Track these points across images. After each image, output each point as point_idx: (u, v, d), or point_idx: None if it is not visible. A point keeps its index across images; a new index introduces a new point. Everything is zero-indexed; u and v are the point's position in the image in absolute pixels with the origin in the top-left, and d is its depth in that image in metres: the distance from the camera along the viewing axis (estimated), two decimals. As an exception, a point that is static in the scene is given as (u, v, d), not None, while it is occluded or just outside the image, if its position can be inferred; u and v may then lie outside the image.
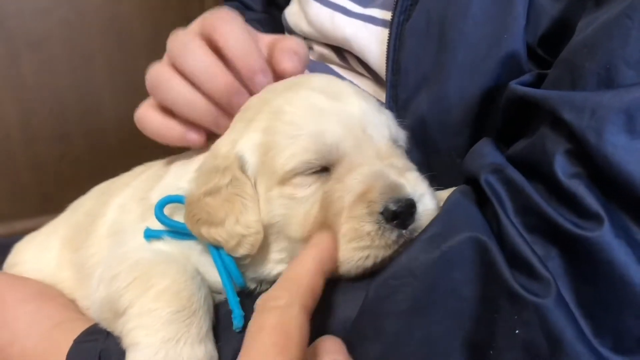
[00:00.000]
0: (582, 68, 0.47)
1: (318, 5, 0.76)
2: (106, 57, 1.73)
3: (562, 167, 0.46)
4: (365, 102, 0.56)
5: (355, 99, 0.56)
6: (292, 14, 0.84)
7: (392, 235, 0.50)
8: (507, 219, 0.47)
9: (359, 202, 0.51)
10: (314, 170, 0.53)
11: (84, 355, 0.56)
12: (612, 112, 0.43)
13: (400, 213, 0.50)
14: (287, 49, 0.60)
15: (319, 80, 0.59)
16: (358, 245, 0.50)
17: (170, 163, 0.67)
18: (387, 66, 0.64)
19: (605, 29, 0.46)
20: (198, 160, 0.60)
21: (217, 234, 0.53)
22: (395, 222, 0.50)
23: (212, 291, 0.57)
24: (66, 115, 1.72)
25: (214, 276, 0.56)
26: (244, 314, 0.52)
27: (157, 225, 0.59)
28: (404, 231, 0.50)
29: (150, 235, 0.58)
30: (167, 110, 0.61)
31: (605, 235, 0.43)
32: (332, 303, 0.50)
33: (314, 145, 0.53)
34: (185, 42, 0.58)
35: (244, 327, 0.51)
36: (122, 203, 0.66)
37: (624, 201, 0.44)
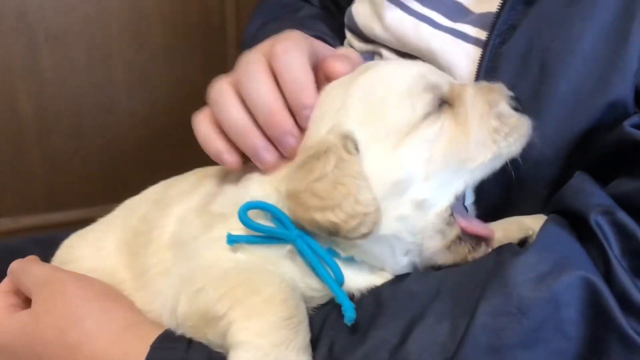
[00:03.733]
0: None
1: (401, 12, 0.75)
2: (124, 57, 1.72)
3: None
4: None
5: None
6: (362, 14, 0.82)
7: (526, 121, 0.59)
8: (618, 262, 0.48)
9: (491, 106, 0.58)
10: (438, 104, 0.58)
11: None
12: None
13: (519, 102, 0.59)
14: (340, 55, 0.63)
15: (378, 61, 0.64)
16: (513, 139, 0.57)
17: (227, 176, 0.68)
18: None
19: None
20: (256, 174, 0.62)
21: (335, 216, 0.53)
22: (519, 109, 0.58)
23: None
24: (81, 111, 1.70)
25: (305, 283, 0.57)
26: (354, 305, 0.52)
27: (223, 234, 0.59)
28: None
29: (233, 240, 0.58)
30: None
31: None
32: None
33: (426, 87, 0.58)
34: (250, 68, 0.60)
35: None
36: (182, 215, 0.67)
37: None
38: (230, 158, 0.61)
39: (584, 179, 0.56)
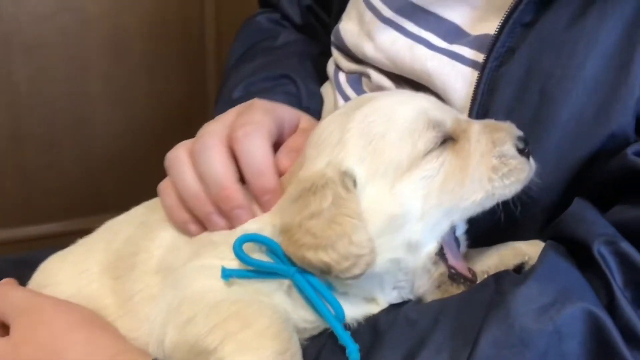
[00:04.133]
0: None
1: (395, 33, 0.74)
2: (102, 69, 1.69)
3: None
4: None
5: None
6: (350, 33, 0.81)
7: (527, 167, 0.57)
8: (621, 293, 0.48)
9: (494, 145, 0.57)
10: (440, 141, 0.58)
11: None
12: None
13: (527, 144, 0.58)
14: (288, 147, 0.65)
15: (377, 93, 0.65)
16: (508, 181, 0.57)
17: None
18: (471, 110, 0.64)
19: None
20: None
21: (327, 256, 0.52)
22: (525, 152, 0.57)
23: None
24: (57, 124, 1.66)
25: (297, 314, 0.55)
26: (359, 347, 0.51)
27: (218, 263, 0.58)
28: (530, 164, 0.58)
29: (228, 274, 0.56)
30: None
31: None
32: None
33: (428, 124, 0.57)
34: (207, 142, 0.62)
35: None
36: (170, 241, 0.65)
37: None
38: (193, 228, 0.63)
39: (585, 207, 0.55)
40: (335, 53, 0.87)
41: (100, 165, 1.72)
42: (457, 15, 0.71)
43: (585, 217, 0.54)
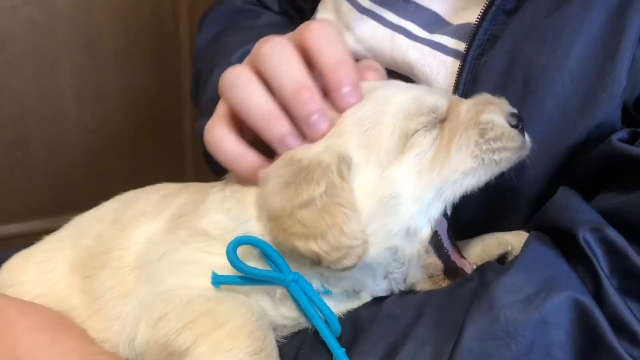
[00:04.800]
0: None
1: (374, 23, 0.72)
2: (73, 62, 1.64)
3: None
4: None
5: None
6: None
7: (519, 138, 0.55)
8: (608, 281, 0.46)
9: (481, 114, 0.55)
10: (431, 123, 0.56)
11: None
12: None
13: (520, 120, 0.55)
14: (368, 66, 0.60)
15: (376, 83, 0.61)
16: (495, 146, 0.53)
17: (194, 196, 0.63)
18: None
19: None
20: (247, 194, 0.57)
21: (317, 246, 0.50)
22: (519, 127, 0.54)
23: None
24: (25, 120, 1.61)
25: (277, 312, 0.54)
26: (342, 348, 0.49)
27: (200, 258, 0.55)
28: (524, 139, 0.55)
29: (219, 281, 0.53)
30: (242, 132, 0.57)
31: None
32: None
33: (423, 109, 0.56)
34: (275, 46, 0.54)
35: None
36: (148, 237, 0.62)
37: None
38: (249, 160, 0.56)
39: (570, 195, 0.54)
40: None
41: (71, 164, 1.67)
42: (437, 4, 0.69)
43: (570, 204, 0.53)
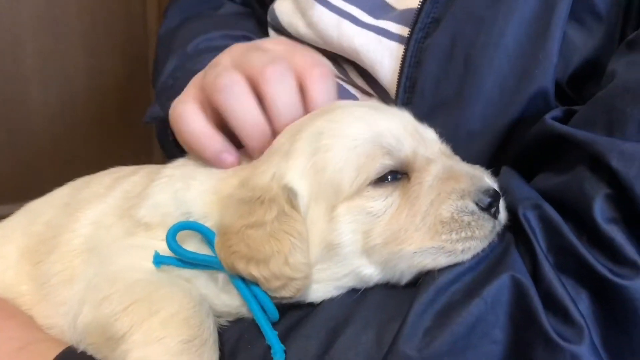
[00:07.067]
0: (623, 113, 0.47)
1: (322, 9, 0.72)
2: (37, 46, 1.61)
3: (602, 211, 0.46)
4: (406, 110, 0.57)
5: (396, 108, 0.56)
6: (285, 13, 0.79)
7: (489, 224, 0.50)
8: (545, 258, 0.47)
9: (448, 195, 0.50)
10: (388, 176, 0.52)
11: None
12: None
13: (493, 203, 0.50)
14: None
15: (351, 102, 0.57)
16: (459, 236, 0.49)
17: (147, 175, 0.62)
18: (399, 84, 0.63)
19: None
20: (199, 178, 0.56)
21: (258, 271, 0.49)
22: (491, 211, 0.50)
23: (215, 315, 0.53)
24: (-13, 105, 1.59)
25: (219, 299, 0.53)
26: (285, 347, 0.48)
27: (150, 243, 0.54)
28: (496, 221, 0.51)
29: (160, 261, 0.53)
30: (211, 115, 0.57)
31: None
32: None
33: (380, 149, 0.51)
34: (276, 72, 0.55)
35: None
36: (97, 219, 0.61)
37: None
38: (230, 157, 0.56)
39: (511, 174, 0.55)
40: (272, 34, 0.85)
41: (36, 148, 1.65)
42: None
43: (510, 184, 0.53)
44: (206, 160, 0.56)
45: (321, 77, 0.56)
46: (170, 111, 0.58)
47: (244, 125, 0.55)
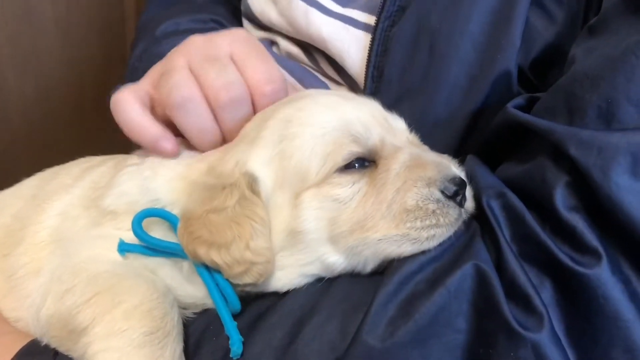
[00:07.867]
0: (582, 99, 0.47)
1: None
2: (9, 31, 1.57)
3: (563, 200, 0.47)
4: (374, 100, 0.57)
5: (365, 97, 0.56)
6: (258, 1, 0.79)
7: (455, 212, 0.50)
8: (508, 247, 0.47)
9: (414, 183, 0.50)
10: (355, 163, 0.52)
11: None
12: (619, 153, 0.44)
13: (459, 191, 0.51)
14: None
15: (320, 91, 0.57)
16: (423, 224, 0.49)
17: (115, 166, 0.62)
18: (366, 73, 0.63)
19: (610, 63, 0.47)
20: (167, 165, 0.56)
21: (220, 257, 0.49)
22: (457, 199, 0.51)
23: (180, 307, 0.53)
24: (-41, 92, 1.56)
25: (184, 290, 0.53)
26: (243, 339, 0.48)
27: (116, 234, 0.54)
28: (462, 209, 0.51)
29: (125, 249, 0.53)
30: (150, 104, 0.57)
31: (603, 273, 0.45)
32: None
33: (348, 137, 0.51)
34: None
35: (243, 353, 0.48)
36: (64, 210, 0.61)
37: (620, 240, 0.45)
38: (168, 145, 0.57)
39: (475, 163, 0.55)
40: (245, 22, 0.85)
41: (11, 137, 1.62)
42: None
43: (474, 172, 0.53)
44: (145, 147, 0.57)
45: (272, 94, 0.57)
46: (111, 99, 0.59)
47: (201, 143, 0.57)
